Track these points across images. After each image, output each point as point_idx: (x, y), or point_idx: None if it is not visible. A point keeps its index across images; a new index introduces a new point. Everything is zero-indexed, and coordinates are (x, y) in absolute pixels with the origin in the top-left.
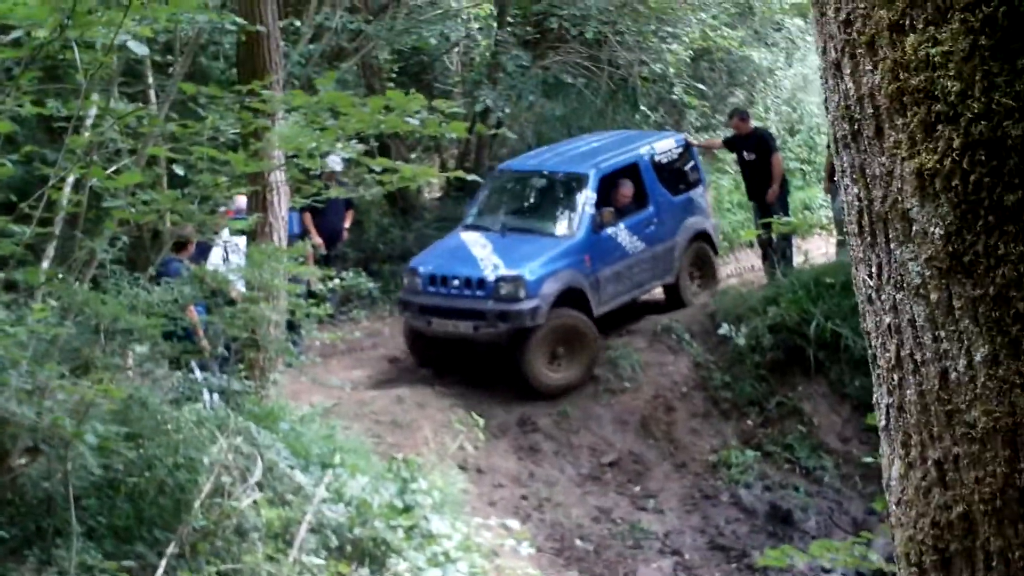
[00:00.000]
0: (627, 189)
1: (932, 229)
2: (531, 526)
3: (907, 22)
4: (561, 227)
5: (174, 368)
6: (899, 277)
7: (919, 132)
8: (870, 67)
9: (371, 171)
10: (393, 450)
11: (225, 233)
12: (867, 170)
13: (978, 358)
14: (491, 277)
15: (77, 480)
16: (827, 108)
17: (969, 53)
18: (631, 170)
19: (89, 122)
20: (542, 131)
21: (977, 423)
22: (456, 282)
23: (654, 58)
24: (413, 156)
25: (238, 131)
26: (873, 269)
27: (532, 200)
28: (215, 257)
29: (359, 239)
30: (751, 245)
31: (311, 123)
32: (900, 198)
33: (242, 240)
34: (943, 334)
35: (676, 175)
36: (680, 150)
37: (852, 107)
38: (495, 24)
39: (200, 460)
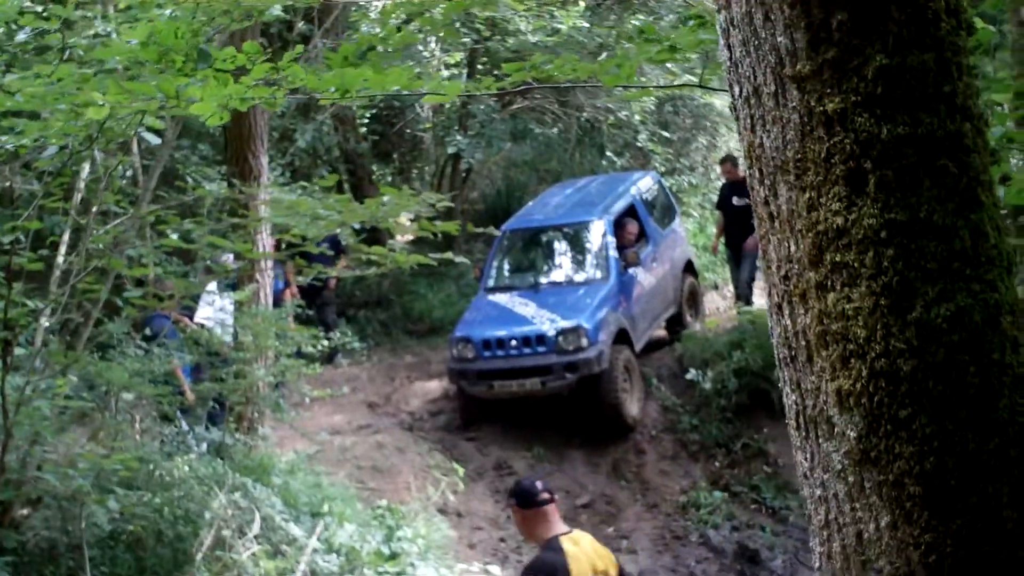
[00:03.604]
0: (632, 227)
1: (848, 432)
2: (510, 569)
3: (829, 283)
4: (592, 273)
5: (163, 421)
6: (826, 463)
7: (838, 363)
8: (802, 312)
9: (366, 254)
10: (375, 495)
11: (212, 286)
12: (801, 384)
13: (883, 524)
14: (551, 332)
15: (80, 535)
16: (771, 335)
17: (872, 309)
18: (630, 210)
19: (82, 184)
20: (511, 175)
21: (884, 570)
22: (514, 342)
23: (620, 105)
24: (385, 199)
25: (227, 213)
26: (807, 455)
27: (551, 253)
28: (203, 311)
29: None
30: (716, 288)
31: (314, 218)
32: (825, 408)
33: (228, 297)
34: (858, 505)
35: (660, 210)
36: (657, 187)
37: (790, 339)
38: (465, 72)
39: (200, 514)
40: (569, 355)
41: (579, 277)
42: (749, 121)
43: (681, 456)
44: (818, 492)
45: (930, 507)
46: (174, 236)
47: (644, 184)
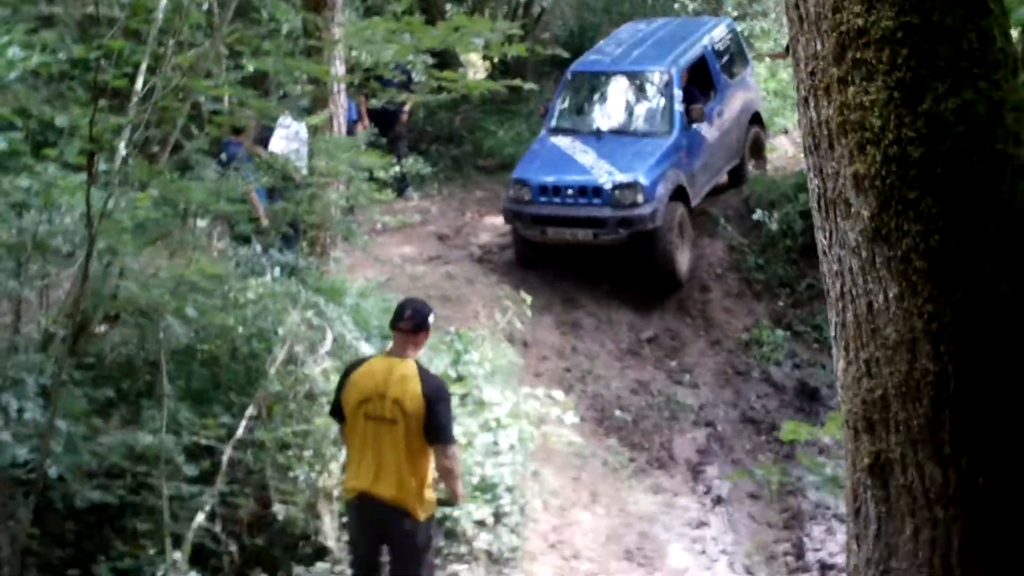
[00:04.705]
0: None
1: (863, 211)
2: (574, 396)
3: (849, 78)
4: (655, 126)
5: (239, 243)
6: (842, 240)
7: (855, 149)
8: (825, 104)
9: (437, 79)
10: (444, 323)
11: (288, 119)
12: (823, 170)
13: (891, 295)
14: (607, 185)
15: (158, 347)
16: (800, 125)
17: (887, 101)
18: (699, 61)
19: (160, 15)
20: (583, 16)
21: (890, 337)
22: (570, 191)
23: None
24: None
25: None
26: (826, 234)
27: (616, 100)
28: (277, 141)
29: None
30: (786, 132)
31: (387, 40)
32: (843, 190)
33: (302, 126)
34: (869, 278)
35: (730, 60)
36: (730, 35)
37: (814, 128)
38: None
39: (274, 331)
40: (624, 209)
41: (642, 128)
42: None
43: (745, 295)
44: (835, 267)
45: (934, 280)
46: (250, 66)
47: (717, 33)
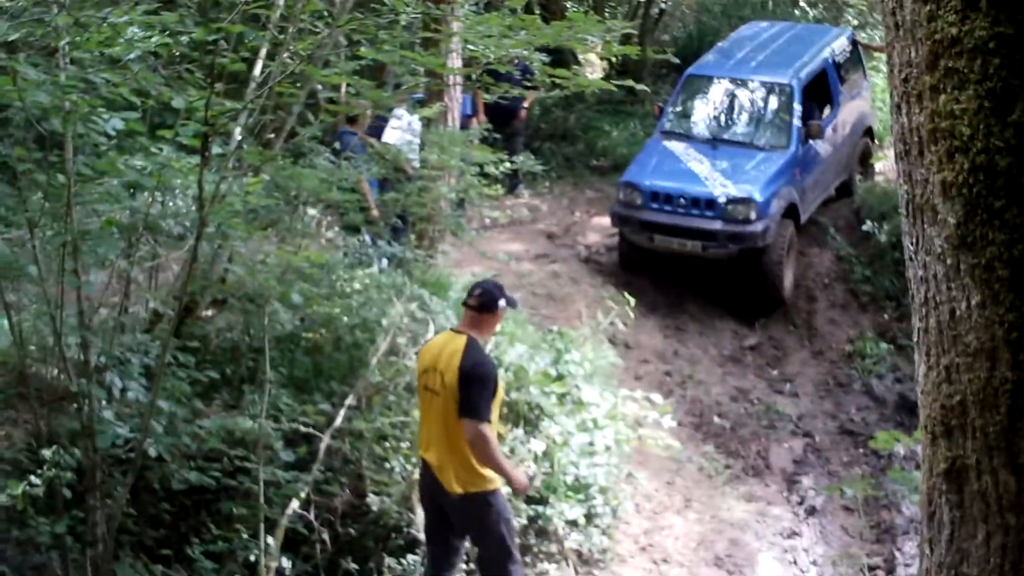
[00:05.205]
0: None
1: (949, 218)
2: (673, 401)
3: (941, 86)
4: (772, 139)
5: (348, 232)
6: (928, 246)
7: (944, 157)
8: (917, 111)
9: (550, 75)
10: (547, 322)
11: (402, 111)
12: (912, 176)
13: (974, 303)
14: (721, 199)
15: (262, 333)
16: (892, 131)
17: (977, 110)
18: (820, 74)
19: (281, 0)
20: (703, 20)
21: (971, 344)
22: (683, 201)
23: None
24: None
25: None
26: (913, 239)
27: (733, 108)
28: (390, 132)
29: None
30: None
31: (502, 36)
32: (931, 197)
33: (416, 118)
34: (953, 285)
35: (848, 73)
36: (850, 47)
37: (905, 135)
38: None
39: (378, 322)
40: (736, 224)
41: (758, 141)
42: None
43: (851, 306)
44: (920, 273)
45: (1016, 290)
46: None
47: (838, 45)
